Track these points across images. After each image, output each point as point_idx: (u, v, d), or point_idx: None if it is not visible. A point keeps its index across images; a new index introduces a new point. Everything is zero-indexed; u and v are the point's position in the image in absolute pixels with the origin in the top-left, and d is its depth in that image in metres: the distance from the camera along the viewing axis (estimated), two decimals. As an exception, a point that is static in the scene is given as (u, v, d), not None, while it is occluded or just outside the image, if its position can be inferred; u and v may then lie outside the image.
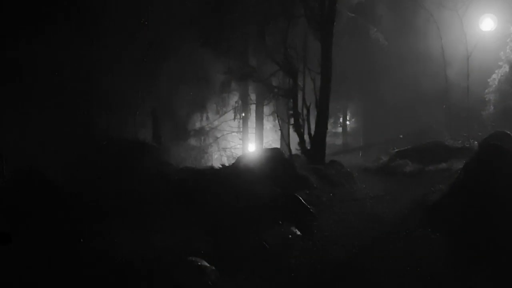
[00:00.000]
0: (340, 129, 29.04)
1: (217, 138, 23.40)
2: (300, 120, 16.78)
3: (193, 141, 22.34)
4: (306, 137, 16.50)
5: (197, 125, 22.68)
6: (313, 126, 16.36)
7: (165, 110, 18.78)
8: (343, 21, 19.86)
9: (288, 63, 16.78)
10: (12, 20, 14.31)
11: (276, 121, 20.25)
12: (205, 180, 12.07)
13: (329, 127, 18.99)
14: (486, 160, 10.52)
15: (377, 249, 9.49)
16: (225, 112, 23.74)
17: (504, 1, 19.86)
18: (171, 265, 8.21)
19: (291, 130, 17.50)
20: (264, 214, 10.27)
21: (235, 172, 12.72)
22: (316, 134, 16.17)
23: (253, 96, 23.42)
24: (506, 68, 19.72)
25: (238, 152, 22.57)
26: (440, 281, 8.04)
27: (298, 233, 10.04)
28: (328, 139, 17.73)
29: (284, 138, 18.58)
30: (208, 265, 8.31)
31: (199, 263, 8.30)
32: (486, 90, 20.25)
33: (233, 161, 15.26)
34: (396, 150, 18.08)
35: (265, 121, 23.90)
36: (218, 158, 22.55)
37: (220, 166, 14.71)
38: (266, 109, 22.99)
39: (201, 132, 22.77)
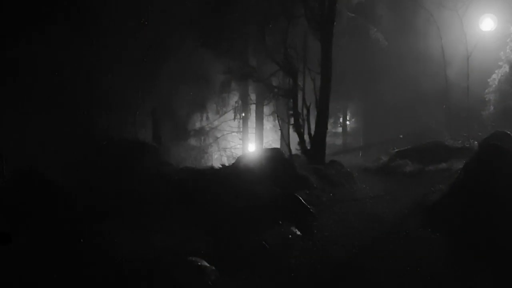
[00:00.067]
0: (340, 129, 29.04)
1: (217, 138, 23.41)
2: (300, 120, 16.78)
3: (193, 141, 22.34)
4: (306, 137, 16.50)
5: (197, 125, 22.69)
6: (313, 126, 16.36)
7: (165, 110, 18.78)
8: (343, 21, 19.88)
9: (288, 63, 16.78)
10: (12, 20, 14.30)
11: (276, 121, 20.26)
12: (205, 180, 12.06)
13: (329, 127, 19.01)
14: (486, 160, 10.52)
15: (377, 249, 9.50)
16: (225, 112, 23.74)
17: (504, 1, 19.87)
18: (171, 265, 8.21)
19: (291, 130, 17.49)
20: (264, 214, 10.26)
21: (235, 172, 12.72)
22: (316, 134, 16.17)
23: (253, 96, 23.42)
24: (506, 68, 19.72)
25: (238, 152, 22.58)
26: (440, 281, 8.04)
27: (298, 233, 10.04)
28: (328, 139, 17.74)
29: (284, 138, 18.58)
30: (208, 265, 8.31)
31: (199, 263, 8.30)
32: (486, 90, 20.25)
33: (233, 161, 15.26)
34: (396, 150, 18.09)
35: (265, 121, 23.91)
36: (218, 158, 22.54)
37: (220, 166, 14.70)
38: (266, 109, 23.00)
39: (201, 132, 22.77)
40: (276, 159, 13.27)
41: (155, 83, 17.79)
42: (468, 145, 16.55)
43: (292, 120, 17.10)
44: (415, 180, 14.28)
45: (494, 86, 20.09)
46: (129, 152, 13.05)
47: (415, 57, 22.21)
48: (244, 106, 23.98)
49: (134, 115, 17.83)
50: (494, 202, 9.48)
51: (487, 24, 20.56)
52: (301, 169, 13.70)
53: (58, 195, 10.57)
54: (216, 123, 23.52)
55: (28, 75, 14.33)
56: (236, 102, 23.88)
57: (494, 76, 20.04)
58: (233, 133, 24.38)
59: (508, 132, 13.40)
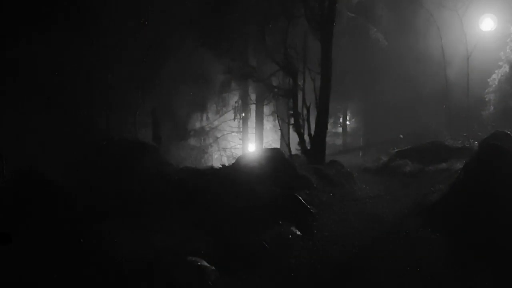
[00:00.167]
0: (340, 129, 29.04)
1: (217, 138, 23.41)
2: (300, 120, 16.79)
3: (193, 141, 22.34)
4: (306, 137, 16.51)
5: (197, 125, 22.70)
6: (313, 126, 16.36)
7: (165, 110, 18.77)
8: (343, 21, 19.88)
9: (288, 63, 16.79)
10: (12, 20, 14.30)
11: (276, 121, 20.27)
12: (205, 180, 12.06)
13: (329, 127, 19.02)
14: (486, 160, 10.52)
15: (377, 249, 9.50)
16: (225, 112, 23.75)
17: (504, 1, 19.87)
18: (171, 265, 8.22)
19: (291, 130, 17.50)
20: (264, 214, 10.27)
21: (235, 172, 12.72)
22: (316, 134, 16.17)
23: (253, 96, 23.42)
24: (506, 68, 19.72)
25: (238, 152, 22.57)
26: (440, 281, 8.04)
27: (298, 233, 10.04)
28: (328, 139, 17.75)
29: (284, 138, 18.58)
30: (208, 265, 8.32)
31: (199, 263, 8.30)
32: (486, 90, 20.25)
33: (233, 161, 15.25)
34: (396, 150, 18.08)
35: (265, 121, 23.91)
36: (218, 158, 22.55)
37: (220, 166, 14.70)
38: (266, 109, 23.01)
39: (201, 132, 22.78)
40: (276, 159, 13.26)
41: (155, 83, 17.79)
42: (468, 145, 16.54)
43: (292, 120, 17.10)
44: (415, 180, 14.27)
45: (494, 86, 20.09)
46: (129, 152, 13.03)
47: (415, 57, 22.21)
48: (244, 106, 23.99)
49: (134, 115, 17.83)
50: (494, 202, 9.49)
51: (487, 24, 20.56)
52: (301, 169, 13.70)
53: (58, 195, 10.57)
54: (216, 123, 23.54)
55: (28, 75, 14.33)
56: (236, 102, 23.89)
57: (494, 76, 20.03)
58: (233, 133, 24.39)
59: (508, 132, 13.39)
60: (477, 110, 20.30)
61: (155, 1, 17.27)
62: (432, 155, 15.91)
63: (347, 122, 29.12)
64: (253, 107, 24.03)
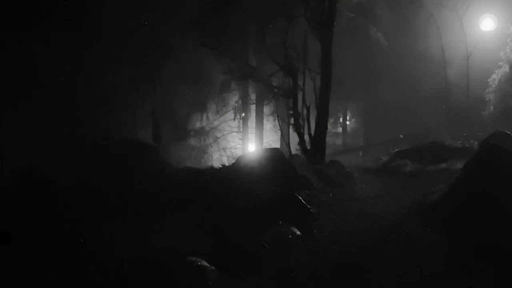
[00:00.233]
0: (340, 129, 29.04)
1: (217, 138, 23.42)
2: (300, 120, 16.79)
3: (193, 141, 22.34)
4: (306, 137, 16.51)
5: (197, 125, 22.70)
6: (313, 126, 16.37)
7: (165, 110, 18.76)
8: (343, 21, 19.89)
9: (288, 63, 16.79)
10: (12, 20, 14.30)
11: (276, 121, 20.27)
12: (205, 180, 12.06)
13: (329, 127, 19.02)
14: (486, 160, 10.53)
15: (377, 249, 9.50)
16: (225, 112, 23.75)
17: (504, 1, 19.87)
18: (171, 265, 8.21)
19: (291, 130, 17.50)
20: (264, 214, 10.26)
21: (235, 172, 12.72)
22: (316, 134, 16.17)
23: (253, 96, 23.42)
24: (506, 68, 19.73)
25: (238, 152, 22.57)
26: (440, 281, 8.04)
27: (298, 233, 10.04)
28: (328, 139, 17.75)
29: (284, 138, 18.58)
30: (208, 265, 8.31)
31: (199, 263, 8.30)
32: (486, 90, 20.26)
33: (233, 161, 15.26)
34: (396, 150, 18.10)
35: (265, 121, 23.91)
36: (218, 158, 22.55)
37: (220, 166, 14.71)
38: (266, 109, 23.01)
39: (201, 132, 22.78)
40: (276, 159, 13.27)
41: (155, 83, 17.78)
42: (468, 145, 16.55)
43: (292, 120, 17.10)
44: (415, 180, 14.29)
45: (494, 86, 20.10)
46: (129, 152, 13.02)
47: (415, 57, 22.20)
48: (244, 106, 23.99)
49: (134, 115, 17.81)
50: (494, 202, 9.49)
51: (487, 24, 20.58)
52: (301, 169, 13.70)
53: (58, 195, 10.55)
54: (216, 123, 23.54)
55: (28, 75, 14.33)
56: (236, 102, 23.89)
57: (494, 76, 20.05)
58: (233, 133, 24.39)
59: (508, 132, 13.40)
60: (477, 110, 20.32)
61: (155, 1, 17.27)
62: (432, 155, 15.92)
63: (347, 122, 29.12)
64: (253, 107, 24.03)
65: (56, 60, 14.38)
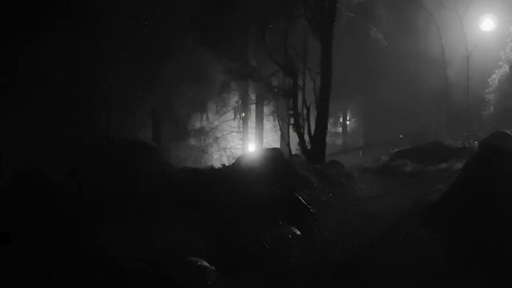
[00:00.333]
0: (340, 129, 29.03)
1: (217, 138, 23.41)
2: (300, 120, 16.78)
3: (193, 141, 22.35)
4: (306, 137, 16.50)
5: (197, 125, 22.70)
6: (313, 126, 16.36)
7: (165, 110, 18.78)
8: (343, 21, 19.88)
9: (288, 63, 16.79)
10: (12, 20, 14.30)
11: (276, 121, 20.26)
12: (205, 180, 12.06)
13: (329, 127, 19.01)
14: (486, 160, 10.52)
15: (377, 249, 9.50)
16: (225, 112, 23.75)
17: (504, 1, 19.87)
18: (171, 265, 8.21)
19: (291, 130, 17.49)
20: (264, 214, 10.26)
21: (235, 172, 12.72)
22: (316, 134, 16.17)
23: (253, 96, 23.41)
24: (506, 68, 19.74)
25: (238, 152, 22.57)
26: (440, 281, 8.04)
27: (298, 233, 10.04)
28: (328, 139, 17.74)
29: (284, 138, 18.57)
30: (208, 265, 8.31)
31: (199, 263, 8.30)
32: (486, 90, 20.27)
33: (233, 161, 15.26)
34: (396, 150, 18.09)
35: (265, 121, 23.91)
36: (218, 158, 22.54)
37: (220, 166, 14.71)
38: (266, 109, 23.01)
39: (201, 132, 22.78)
40: (276, 159, 13.27)
41: (155, 83, 17.79)
42: (468, 145, 16.54)
43: (292, 120, 17.10)
44: (415, 180, 14.28)
45: (494, 86, 20.10)
46: (129, 152, 13.02)
47: (415, 57, 22.20)
48: (244, 106, 23.99)
49: (134, 115, 17.82)
50: (494, 202, 9.48)
51: (487, 24, 20.57)
52: (301, 169, 13.70)
53: (58, 195, 10.56)
54: (216, 123, 23.53)
55: (28, 75, 14.33)
56: (236, 102, 23.89)
57: (494, 76, 20.05)
58: (233, 133, 24.38)
59: (508, 132, 13.40)
60: (477, 110, 20.32)
61: (155, 1, 17.28)
62: (432, 155, 15.91)
63: (347, 122, 29.11)
64: (253, 107, 24.02)
65: (56, 60, 14.39)
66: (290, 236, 9.85)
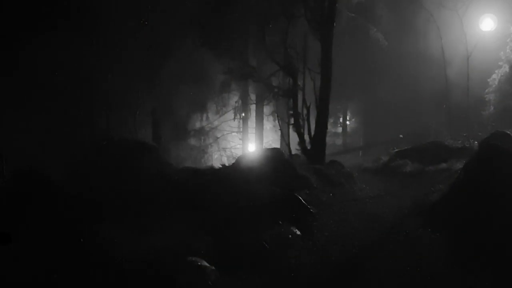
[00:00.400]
0: (340, 129, 29.04)
1: (217, 138, 23.41)
2: (300, 120, 16.78)
3: (193, 141, 22.34)
4: (306, 137, 16.50)
5: (197, 125, 22.70)
6: (313, 126, 16.36)
7: (165, 110, 18.78)
8: (343, 21, 19.88)
9: (288, 63, 16.79)
10: (12, 20, 14.30)
11: (276, 121, 20.26)
12: (205, 180, 12.06)
13: (329, 127, 19.01)
14: (486, 160, 10.52)
15: (377, 249, 9.50)
16: (225, 112, 23.74)
17: (504, 1, 19.88)
18: (171, 265, 8.21)
19: (291, 130, 17.49)
20: (264, 214, 10.26)
21: (235, 172, 12.72)
22: (316, 134, 16.17)
23: (253, 96, 23.40)
24: (506, 68, 19.74)
25: (238, 152, 22.57)
26: (440, 281, 8.04)
27: (298, 233, 10.04)
28: (328, 139, 17.74)
29: (284, 138, 18.57)
30: (208, 265, 8.31)
31: (199, 263, 8.29)
32: (486, 90, 20.27)
33: (233, 161, 15.26)
34: (396, 150, 18.09)
35: (265, 121, 23.90)
36: (218, 158, 22.54)
37: (220, 166, 14.71)
38: (266, 109, 22.99)
39: (201, 132, 22.77)
40: (276, 159, 13.27)
41: (155, 83, 17.80)
42: (468, 145, 16.54)
43: (292, 120, 17.10)
44: (415, 180, 14.28)
45: (494, 86, 20.11)
46: (129, 152, 13.02)
47: (415, 57, 22.22)
48: (244, 106, 23.98)
49: (134, 115, 17.83)
50: (494, 202, 9.48)
51: (487, 24, 20.58)
52: (301, 169, 13.70)
53: (58, 195, 10.57)
54: (216, 123, 23.53)
55: (28, 75, 14.33)
56: (236, 102, 23.88)
57: (494, 76, 20.06)
58: (233, 133, 24.38)
59: (508, 132, 13.40)
60: (477, 110, 20.32)
61: (155, 1, 17.28)
62: (432, 155, 15.91)
63: (347, 122, 29.12)
64: (253, 107, 24.02)
65: (56, 60, 14.40)
66: (290, 236, 9.84)
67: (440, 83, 21.61)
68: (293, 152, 16.98)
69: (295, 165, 13.87)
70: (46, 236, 8.79)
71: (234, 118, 24.09)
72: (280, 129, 19.41)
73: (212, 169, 14.18)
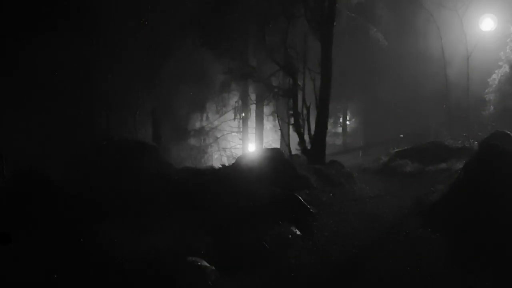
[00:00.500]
0: (340, 129, 29.07)
1: (217, 138, 23.42)
2: (300, 120, 16.78)
3: (193, 141, 22.35)
4: (306, 137, 16.50)
5: (197, 125, 22.71)
6: (313, 126, 16.36)
7: (165, 110, 18.79)
8: (343, 21, 19.89)
9: (288, 63, 16.79)
10: (12, 20, 14.30)
11: (276, 121, 20.27)
12: (205, 180, 12.05)
13: (329, 127, 19.02)
14: (486, 160, 10.53)
15: (377, 249, 9.50)
16: (225, 112, 23.75)
17: (504, 1, 19.89)
18: (171, 265, 8.21)
19: (291, 130, 17.50)
20: (264, 214, 10.26)
21: (235, 172, 12.72)
22: (316, 134, 16.17)
23: (253, 96, 23.43)
24: (506, 68, 19.75)
25: (238, 152, 22.58)
26: (440, 281, 8.04)
27: (298, 233, 10.03)
28: (328, 139, 17.73)
29: (284, 138, 18.58)
30: (208, 265, 8.31)
31: (199, 263, 8.29)
32: (486, 90, 20.28)
33: (233, 161, 15.25)
34: (396, 150, 18.10)
35: (265, 121, 23.92)
36: (218, 158, 22.56)
37: (220, 166, 14.71)
38: (266, 109, 23.01)
39: (201, 132, 22.78)
40: (276, 159, 13.26)
41: (155, 83, 17.80)
42: (468, 145, 16.54)
43: (292, 120, 17.10)
44: (415, 180, 14.28)
45: (494, 86, 20.11)
46: (129, 152, 13.02)
47: (415, 57, 22.24)
48: (244, 106, 23.99)
49: (134, 115, 17.83)
50: (494, 202, 9.49)
51: (487, 24, 20.60)
52: (301, 169, 13.70)
53: (58, 195, 10.56)
54: (216, 123, 23.54)
55: (28, 75, 14.33)
56: (236, 102, 23.89)
57: (494, 76, 20.06)
58: (233, 133, 24.39)
59: (508, 132, 13.39)
60: (477, 110, 20.33)
61: (155, 1, 17.28)
62: (432, 155, 15.91)
63: (347, 122, 29.14)
64: (253, 107, 24.03)
65: (56, 60, 14.40)
66: (290, 236, 9.84)
67: (440, 83, 21.62)
68: (293, 152, 16.99)
69: (295, 165, 13.87)
70: (46, 236, 8.79)
71: (234, 118, 24.10)
72: (280, 129, 19.42)
73: (212, 169, 14.17)
